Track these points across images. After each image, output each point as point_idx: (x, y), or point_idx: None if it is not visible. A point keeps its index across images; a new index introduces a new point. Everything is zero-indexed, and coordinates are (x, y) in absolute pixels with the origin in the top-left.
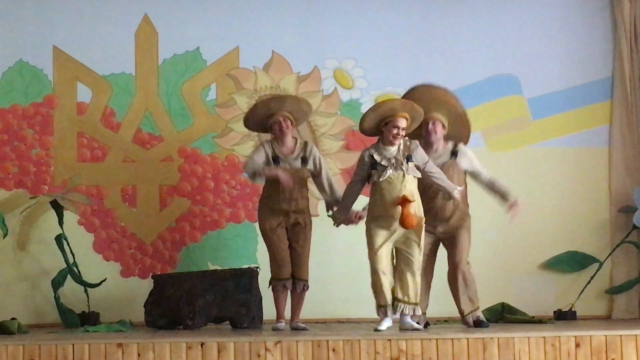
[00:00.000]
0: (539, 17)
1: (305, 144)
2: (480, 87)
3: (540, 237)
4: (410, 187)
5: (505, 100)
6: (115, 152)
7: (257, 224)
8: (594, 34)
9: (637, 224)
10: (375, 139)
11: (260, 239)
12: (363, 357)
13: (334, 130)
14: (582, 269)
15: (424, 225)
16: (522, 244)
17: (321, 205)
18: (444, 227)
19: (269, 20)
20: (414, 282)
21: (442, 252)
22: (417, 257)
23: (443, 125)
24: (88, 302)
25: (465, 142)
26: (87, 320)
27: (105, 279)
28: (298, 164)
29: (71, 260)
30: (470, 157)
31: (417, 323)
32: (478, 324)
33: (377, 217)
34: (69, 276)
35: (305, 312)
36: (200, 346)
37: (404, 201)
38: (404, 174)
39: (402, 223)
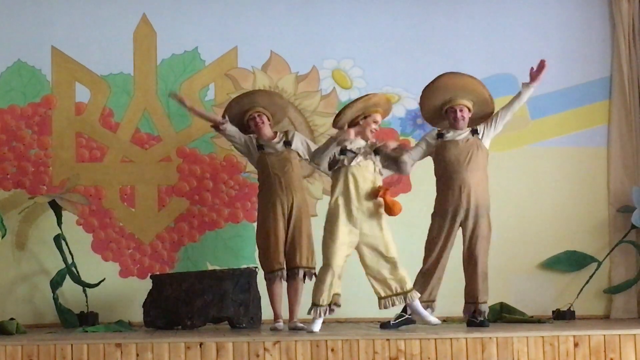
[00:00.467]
0: (537, 17)
1: (286, 132)
2: None
3: (538, 236)
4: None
5: (504, 100)
6: (114, 152)
7: (255, 224)
8: (592, 33)
9: (636, 224)
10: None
11: None
12: (362, 357)
13: (333, 130)
14: (580, 269)
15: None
16: (521, 243)
17: (320, 205)
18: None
19: (267, 20)
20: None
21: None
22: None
23: (469, 109)
24: (87, 302)
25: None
26: (86, 320)
27: (104, 279)
28: (281, 146)
29: (70, 261)
30: (488, 125)
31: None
32: (482, 320)
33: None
34: (67, 276)
35: (304, 312)
36: (198, 346)
37: (383, 190)
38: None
39: (389, 212)
